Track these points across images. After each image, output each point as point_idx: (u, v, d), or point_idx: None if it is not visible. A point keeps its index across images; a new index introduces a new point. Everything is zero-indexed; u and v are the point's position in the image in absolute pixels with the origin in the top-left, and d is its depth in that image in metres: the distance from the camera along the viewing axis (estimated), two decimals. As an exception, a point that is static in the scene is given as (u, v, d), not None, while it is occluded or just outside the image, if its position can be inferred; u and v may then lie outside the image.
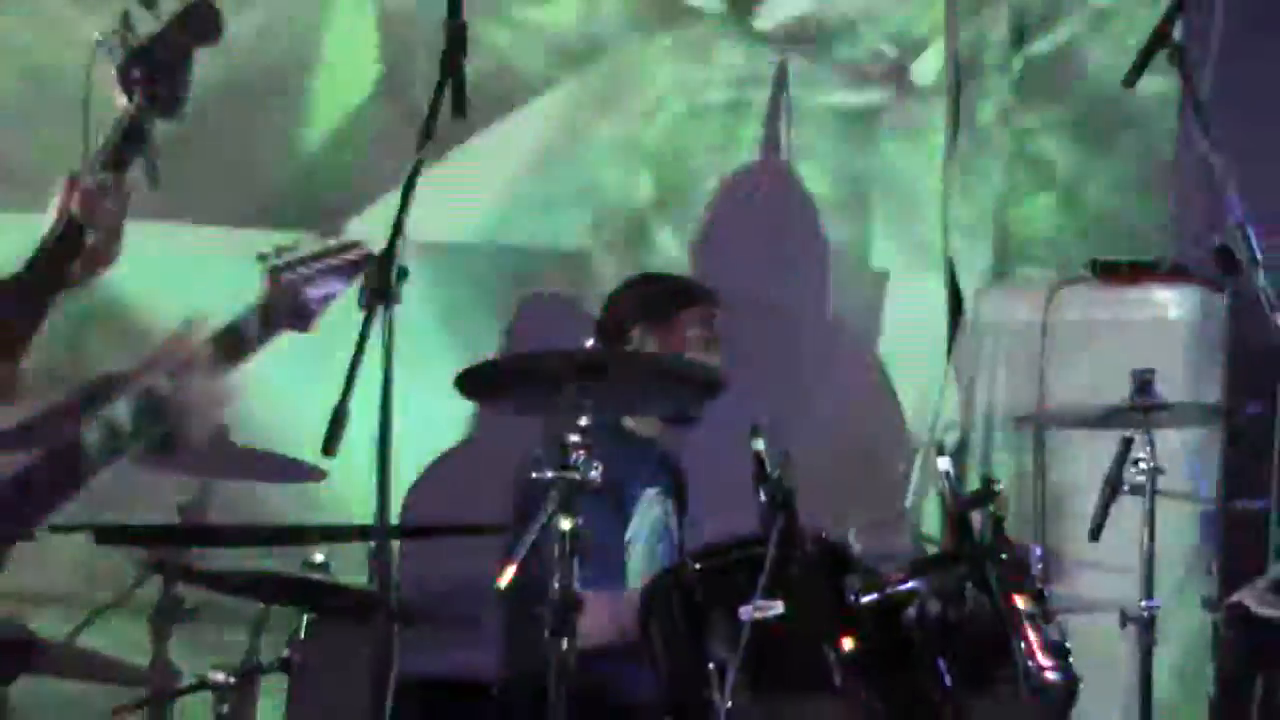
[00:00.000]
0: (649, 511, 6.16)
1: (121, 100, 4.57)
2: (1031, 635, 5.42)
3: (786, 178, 7.71)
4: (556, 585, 5.03)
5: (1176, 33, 5.11)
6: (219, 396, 4.27)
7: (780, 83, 7.21)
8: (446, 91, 5.28)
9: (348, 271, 4.17)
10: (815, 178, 7.85)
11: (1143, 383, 5.83)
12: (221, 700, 5.54)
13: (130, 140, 4.60)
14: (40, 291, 4.49)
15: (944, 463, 5.78)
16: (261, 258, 4.19)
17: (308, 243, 4.19)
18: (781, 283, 7.50)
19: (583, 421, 5.13)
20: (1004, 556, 5.51)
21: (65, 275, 4.49)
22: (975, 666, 5.41)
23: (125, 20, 4.61)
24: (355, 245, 4.19)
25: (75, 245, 4.51)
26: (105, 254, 4.49)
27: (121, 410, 4.06)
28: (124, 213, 4.53)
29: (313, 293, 4.13)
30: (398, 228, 5.30)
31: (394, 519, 5.37)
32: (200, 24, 4.60)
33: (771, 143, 7.26)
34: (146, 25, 4.65)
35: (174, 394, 4.08)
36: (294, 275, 4.10)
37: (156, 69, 4.58)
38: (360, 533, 5.72)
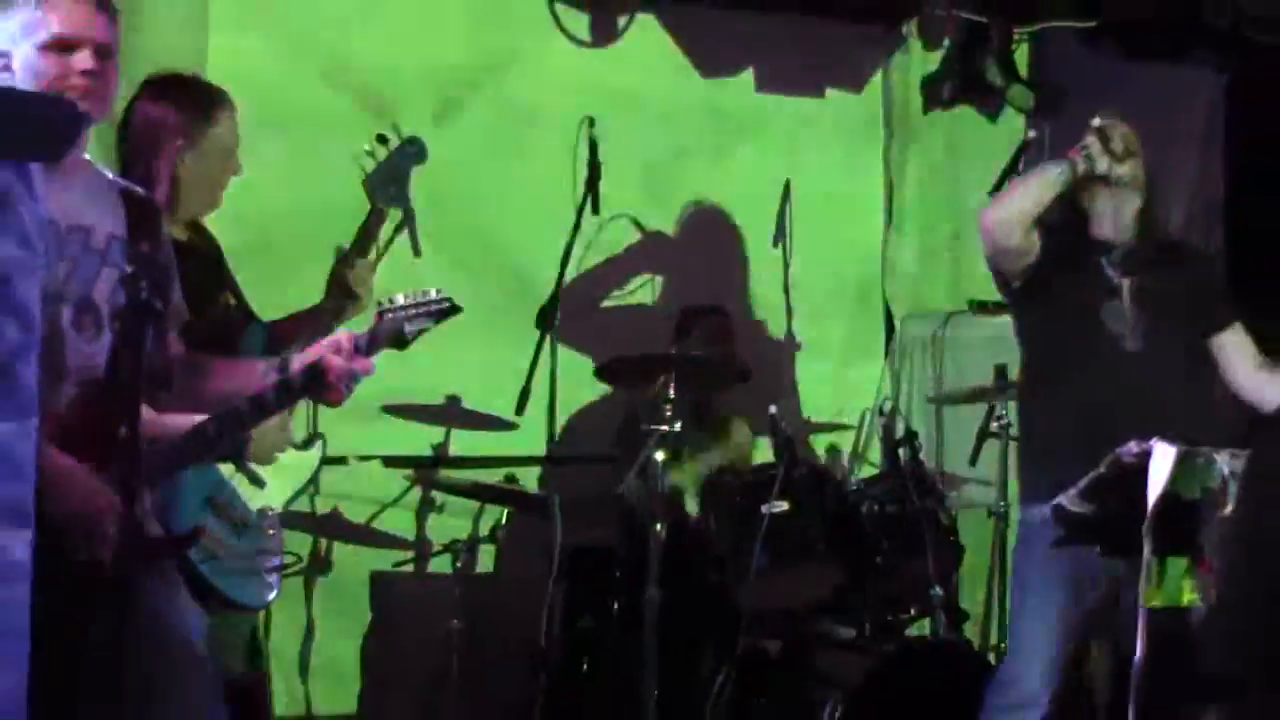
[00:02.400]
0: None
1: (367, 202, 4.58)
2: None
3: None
4: (656, 490, 5.17)
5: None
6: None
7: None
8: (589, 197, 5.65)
9: (436, 315, 3.86)
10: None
11: (1000, 372, 5.80)
12: (456, 559, 5.68)
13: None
14: (329, 319, 4.49)
15: (881, 420, 5.99)
16: (378, 303, 3.91)
17: (410, 294, 3.87)
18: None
19: (670, 394, 5.24)
20: (919, 476, 5.60)
21: (343, 311, 4.52)
22: (903, 543, 5.49)
23: (373, 145, 4.59)
24: (444, 299, 3.89)
25: (347, 293, 4.52)
26: (364, 300, 4.49)
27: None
28: (373, 273, 4.55)
29: (409, 327, 3.80)
30: (559, 281, 5.66)
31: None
32: (416, 151, 4.60)
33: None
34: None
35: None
36: (395, 316, 3.78)
37: (390, 180, 4.58)
38: (536, 460, 6.04)
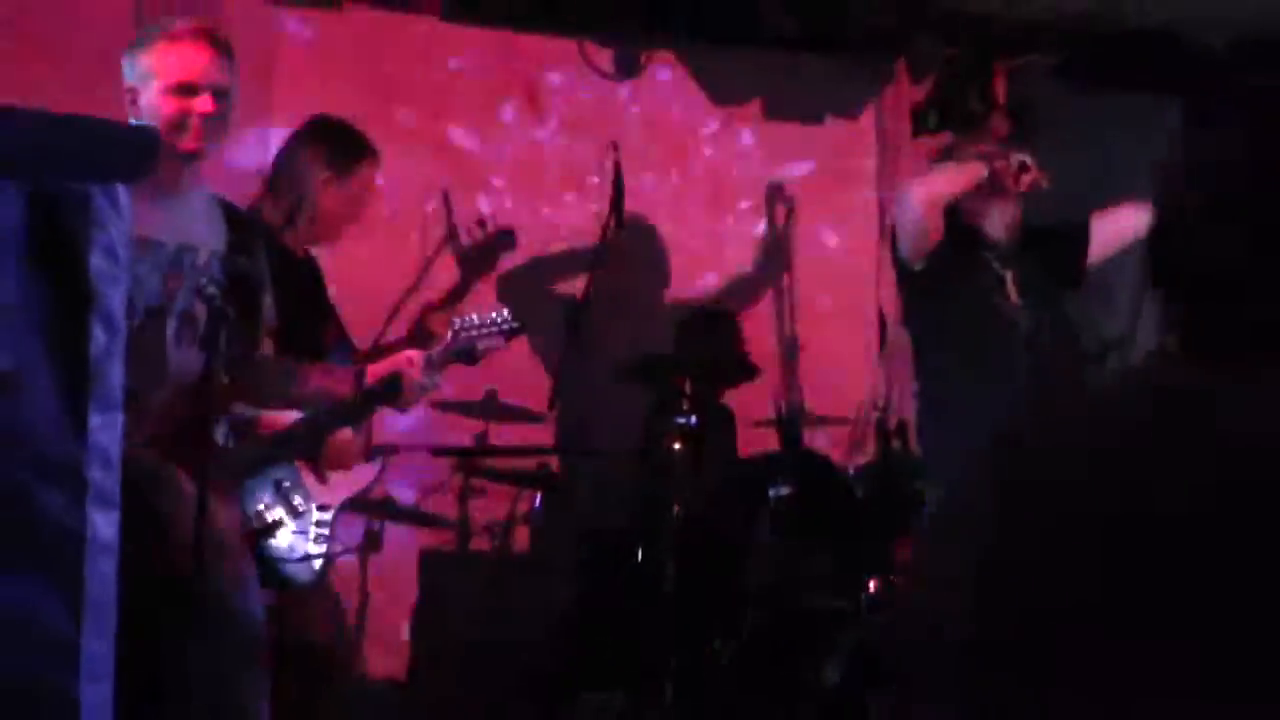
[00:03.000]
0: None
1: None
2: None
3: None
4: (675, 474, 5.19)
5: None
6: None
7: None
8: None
9: (505, 334, 3.89)
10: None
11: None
12: (495, 537, 5.77)
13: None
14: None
15: (876, 414, 5.99)
16: (451, 321, 3.99)
17: (482, 315, 3.93)
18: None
19: (686, 389, 5.28)
20: (909, 462, 5.53)
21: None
22: (895, 523, 5.45)
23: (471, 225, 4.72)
24: (511, 320, 3.92)
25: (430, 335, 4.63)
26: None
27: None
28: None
29: (481, 345, 3.85)
30: (588, 289, 5.66)
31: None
32: (510, 242, 4.78)
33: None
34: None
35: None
36: (469, 334, 3.82)
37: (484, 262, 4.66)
38: (565, 450, 6.10)
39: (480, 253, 4.52)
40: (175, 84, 3.42)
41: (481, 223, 4.50)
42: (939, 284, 4.57)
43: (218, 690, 3.38)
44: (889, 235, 4.75)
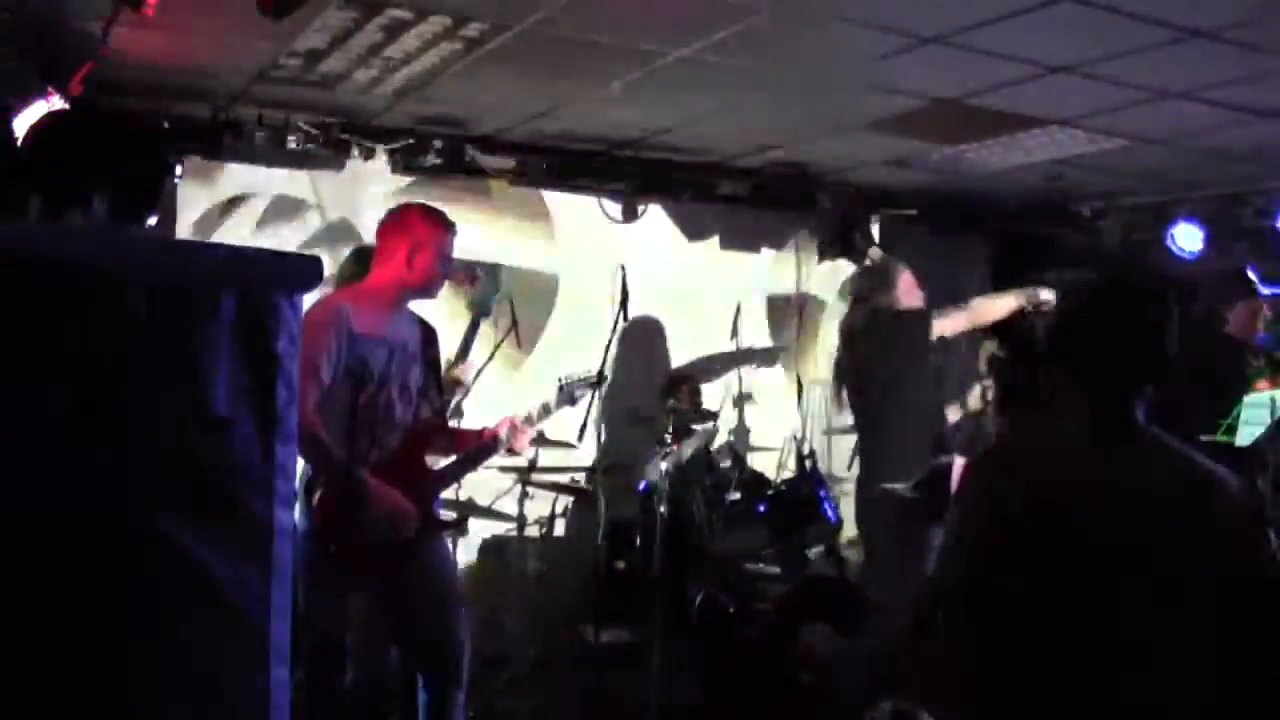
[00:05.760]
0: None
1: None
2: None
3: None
4: (662, 484, 5.05)
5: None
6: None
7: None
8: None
9: (592, 385, 3.86)
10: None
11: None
12: (541, 528, 5.68)
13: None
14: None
15: (795, 444, 6.00)
16: (558, 379, 3.89)
17: (574, 372, 3.83)
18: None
19: (669, 428, 5.23)
20: (817, 477, 5.49)
21: (453, 397, 4.44)
22: (807, 517, 5.37)
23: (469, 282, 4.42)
24: (595, 373, 3.86)
25: (456, 384, 4.45)
26: (469, 387, 4.41)
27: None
28: (470, 371, 4.53)
29: (577, 393, 3.80)
30: (603, 363, 5.59)
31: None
32: (495, 289, 4.28)
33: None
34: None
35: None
36: (569, 388, 3.75)
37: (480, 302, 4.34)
38: (590, 469, 5.83)
39: (479, 298, 4.27)
40: (441, 256, 3.51)
41: (473, 277, 4.32)
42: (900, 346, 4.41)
43: (437, 621, 3.48)
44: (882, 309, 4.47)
